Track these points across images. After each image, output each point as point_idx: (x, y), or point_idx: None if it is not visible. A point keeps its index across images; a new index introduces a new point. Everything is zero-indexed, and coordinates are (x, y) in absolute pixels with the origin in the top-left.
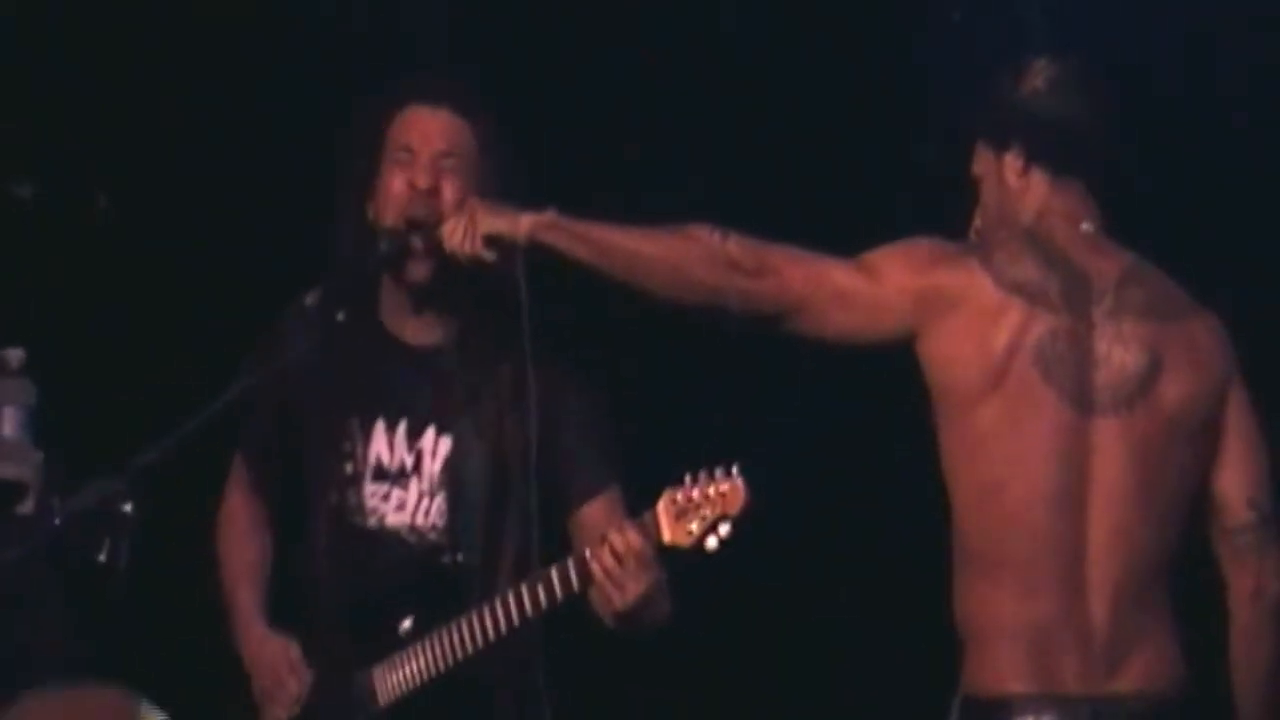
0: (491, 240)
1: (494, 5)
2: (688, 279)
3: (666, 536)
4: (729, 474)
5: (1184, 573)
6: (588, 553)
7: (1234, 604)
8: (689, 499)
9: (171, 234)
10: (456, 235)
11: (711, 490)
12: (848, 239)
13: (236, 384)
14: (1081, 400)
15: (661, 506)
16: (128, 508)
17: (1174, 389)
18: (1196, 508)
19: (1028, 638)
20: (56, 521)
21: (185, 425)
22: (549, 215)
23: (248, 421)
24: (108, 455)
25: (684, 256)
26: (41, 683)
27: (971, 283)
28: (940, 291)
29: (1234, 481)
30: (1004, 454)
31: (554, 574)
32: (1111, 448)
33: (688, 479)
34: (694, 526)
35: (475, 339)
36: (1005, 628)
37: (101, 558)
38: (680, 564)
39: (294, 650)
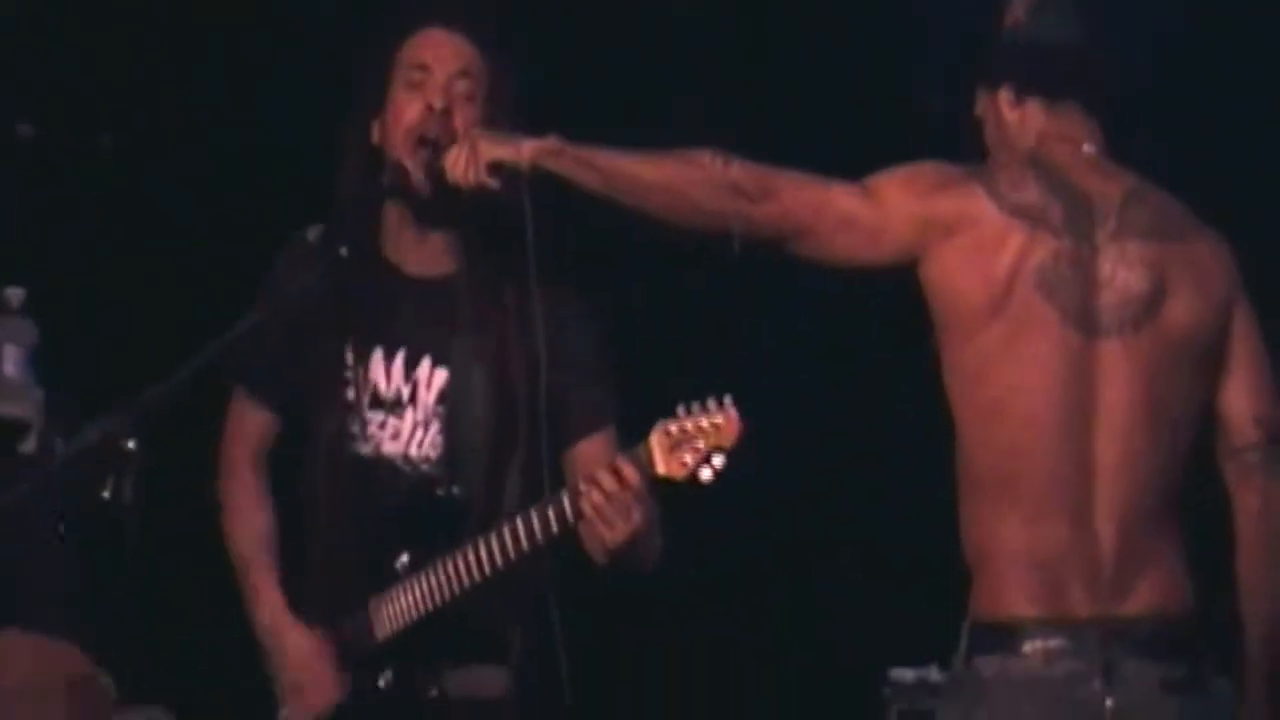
0: (495, 168)
1: None
2: (691, 204)
3: (660, 469)
4: (722, 405)
5: (1191, 493)
6: (581, 487)
7: (1241, 524)
8: (682, 431)
9: (173, 173)
10: (459, 165)
11: (705, 422)
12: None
13: (241, 320)
14: (1086, 323)
15: (655, 439)
16: (132, 445)
17: (1179, 310)
18: (1203, 428)
19: (1036, 562)
20: (59, 459)
21: (189, 362)
22: (552, 141)
23: (249, 357)
24: (111, 393)
25: (687, 181)
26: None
27: (974, 207)
28: (943, 216)
29: (1240, 401)
30: (1008, 378)
31: (548, 509)
32: (1117, 370)
33: (680, 410)
34: (688, 458)
35: (478, 270)
36: (1013, 552)
37: (106, 495)
38: (680, 497)
39: (328, 650)
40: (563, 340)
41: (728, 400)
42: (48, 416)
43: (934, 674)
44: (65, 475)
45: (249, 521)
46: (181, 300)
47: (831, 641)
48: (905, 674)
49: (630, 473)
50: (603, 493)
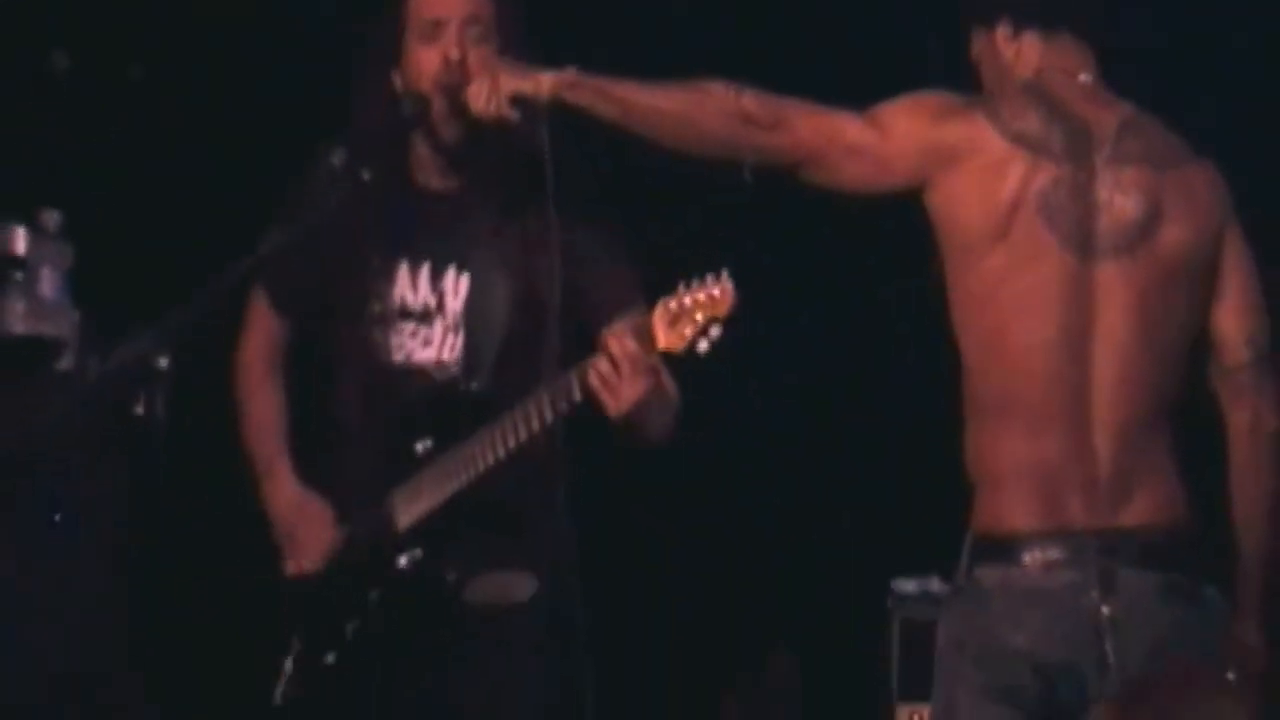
0: (515, 100)
1: None
2: (704, 133)
3: (661, 342)
4: (718, 277)
5: (1185, 410)
6: (587, 363)
7: (1233, 439)
8: (681, 305)
9: (199, 101)
10: (481, 96)
11: (702, 295)
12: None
13: (266, 241)
14: (1084, 247)
15: (656, 314)
16: (163, 362)
17: (1172, 234)
18: (1197, 347)
19: (1036, 476)
20: (94, 377)
21: (218, 281)
22: (570, 73)
23: (271, 265)
24: (143, 312)
25: (700, 111)
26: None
27: (978, 135)
28: (947, 145)
29: (1232, 321)
30: (1010, 300)
31: (557, 385)
32: (1114, 292)
33: (680, 286)
34: (687, 330)
35: (497, 184)
36: (1014, 467)
37: (139, 411)
38: (708, 395)
39: (328, 509)
40: (582, 240)
41: (724, 273)
42: (83, 336)
43: (935, 585)
44: (100, 392)
45: (259, 414)
46: (209, 222)
47: (836, 554)
48: (907, 585)
49: (631, 343)
50: (611, 362)
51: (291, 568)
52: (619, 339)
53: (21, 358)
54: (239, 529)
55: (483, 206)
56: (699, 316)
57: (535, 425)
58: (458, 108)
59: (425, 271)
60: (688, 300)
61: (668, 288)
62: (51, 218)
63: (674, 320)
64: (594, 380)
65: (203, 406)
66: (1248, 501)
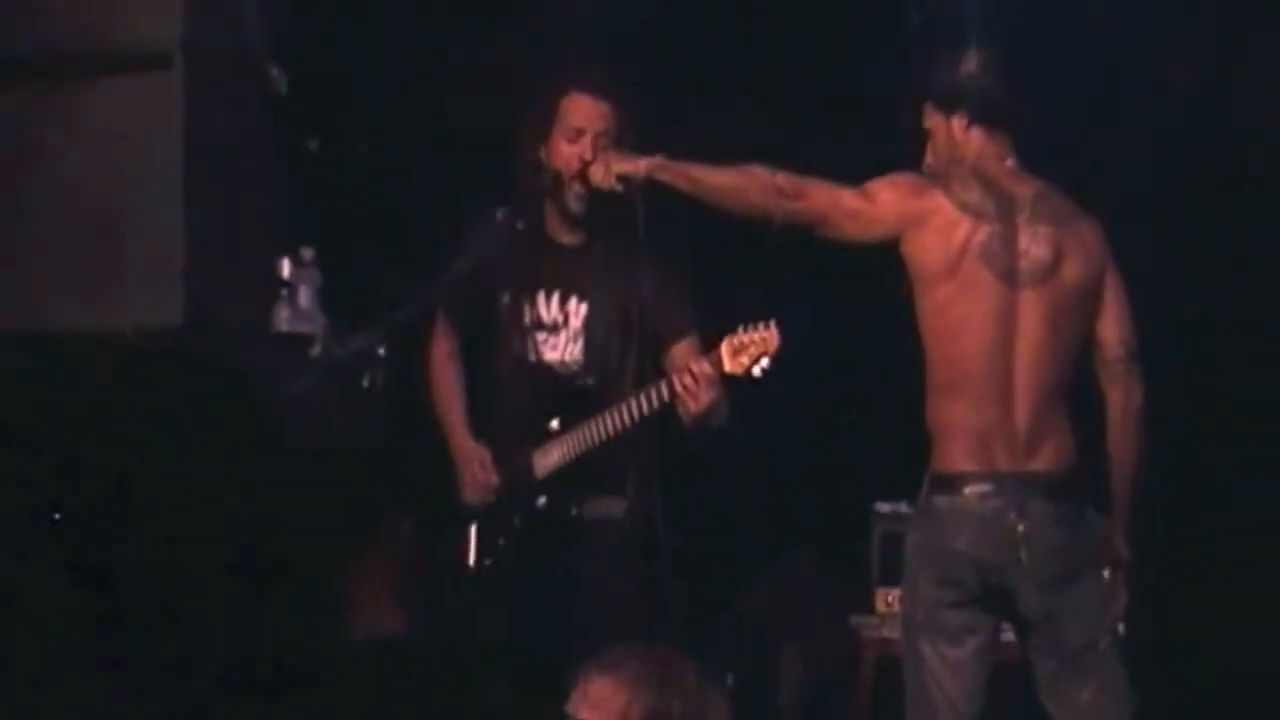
0: (621, 177)
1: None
2: (749, 201)
3: (726, 367)
4: (768, 325)
5: (1078, 392)
6: (674, 377)
7: (1110, 413)
8: (741, 342)
9: (405, 173)
10: (599, 174)
11: (757, 336)
12: (842, 167)
13: (452, 268)
14: (1010, 280)
15: (724, 347)
16: (382, 350)
17: (1071, 271)
18: (1086, 347)
19: (974, 433)
20: (335, 360)
21: (419, 295)
22: (659, 159)
23: (449, 291)
24: (368, 316)
25: (747, 186)
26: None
27: (937, 205)
28: (916, 212)
29: (1111, 329)
30: (959, 316)
31: (652, 389)
32: (1031, 311)
33: (740, 329)
34: (744, 360)
35: (607, 240)
36: (959, 427)
37: (365, 384)
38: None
39: (488, 455)
40: (659, 283)
41: (773, 322)
42: (328, 333)
43: (904, 507)
44: (339, 370)
45: (444, 390)
46: (413, 254)
47: (835, 482)
48: (885, 506)
49: (706, 367)
50: (691, 379)
51: (467, 496)
52: (698, 363)
53: (286, 348)
54: (432, 467)
55: (594, 255)
56: (754, 351)
57: (636, 415)
58: (584, 182)
59: (555, 297)
60: (745, 339)
61: (729, 327)
62: (307, 252)
63: (735, 352)
64: (679, 389)
65: (408, 381)
66: (1120, 453)
